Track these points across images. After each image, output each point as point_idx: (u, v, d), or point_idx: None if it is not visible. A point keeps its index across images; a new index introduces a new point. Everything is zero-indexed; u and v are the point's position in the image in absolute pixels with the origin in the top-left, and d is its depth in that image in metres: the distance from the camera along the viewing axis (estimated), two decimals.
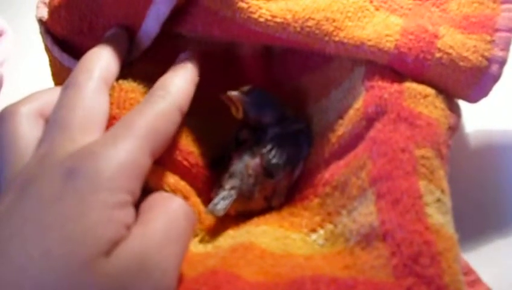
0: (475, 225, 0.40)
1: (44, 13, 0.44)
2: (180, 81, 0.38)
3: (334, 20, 0.40)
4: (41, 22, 0.44)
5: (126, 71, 0.41)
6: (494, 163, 0.44)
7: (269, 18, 0.40)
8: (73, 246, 0.29)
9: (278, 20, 0.40)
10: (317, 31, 0.40)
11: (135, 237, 0.31)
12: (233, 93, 0.41)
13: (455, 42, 0.39)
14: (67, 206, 0.30)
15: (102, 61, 0.38)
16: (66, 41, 0.44)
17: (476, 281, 0.37)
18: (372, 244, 0.33)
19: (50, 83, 0.47)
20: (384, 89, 0.38)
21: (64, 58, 0.43)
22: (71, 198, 0.30)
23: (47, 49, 0.45)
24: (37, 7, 0.45)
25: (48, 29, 0.44)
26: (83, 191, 0.30)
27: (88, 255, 0.29)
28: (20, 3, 0.57)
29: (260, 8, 0.40)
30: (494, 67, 0.39)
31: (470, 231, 0.39)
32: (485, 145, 0.45)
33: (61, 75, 0.45)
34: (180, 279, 0.35)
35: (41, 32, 0.45)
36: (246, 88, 0.42)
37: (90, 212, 0.30)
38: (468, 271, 0.37)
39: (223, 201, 0.39)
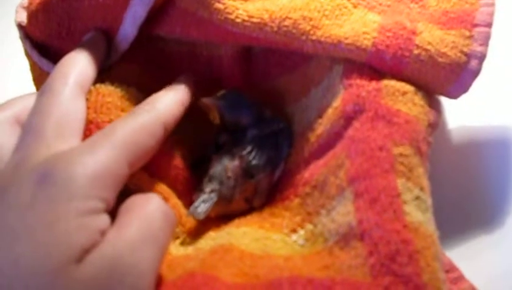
0: (458, 221, 0.40)
1: (24, 18, 0.44)
2: (168, 100, 0.38)
3: (311, 19, 0.40)
4: (20, 26, 0.44)
5: (104, 75, 0.41)
6: (477, 159, 0.43)
7: (246, 18, 0.40)
8: (44, 254, 0.28)
9: (255, 20, 0.40)
10: (294, 30, 0.39)
11: (108, 242, 0.30)
12: (207, 100, 0.41)
13: (434, 38, 0.39)
14: (38, 213, 0.30)
15: (78, 66, 0.38)
16: (45, 46, 0.44)
17: (459, 278, 0.37)
18: (350, 243, 0.33)
19: (32, 88, 0.47)
20: (362, 87, 0.38)
21: (44, 63, 0.43)
22: (43, 205, 0.30)
23: (27, 54, 0.45)
24: (16, 11, 0.45)
25: (27, 33, 0.44)
26: (55, 198, 0.30)
27: (58, 263, 0.28)
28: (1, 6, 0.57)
29: (237, 8, 0.40)
30: (474, 63, 0.39)
31: (452, 228, 0.39)
32: (468, 141, 0.44)
33: (41, 80, 0.45)
34: (159, 282, 0.35)
35: (20, 37, 0.45)
36: (220, 93, 0.41)
37: (62, 220, 0.29)
38: (451, 268, 0.37)
39: (203, 204, 0.39)
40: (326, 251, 0.34)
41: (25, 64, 0.46)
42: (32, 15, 0.43)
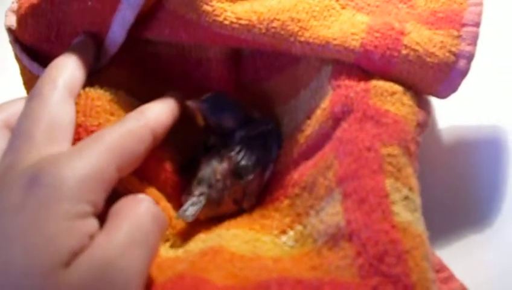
0: (448, 221, 0.40)
1: (13, 22, 0.44)
2: (158, 109, 0.38)
3: (299, 20, 0.40)
4: (10, 30, 0.44)
5: (93, 78, 0.41)
6: (466, 159, 0.43)
7: (234, 20, 0.40)
8: (33, 257, 0.29)
9: (243, 22, 0.40)
10: (282, 32, 0.39)
11: (97, 246, 0.30)
12: (190, 102, 0.41)
13: (422, 38, 0.39)
14: (28, 216, 0.30)
15: (67, 70, 0.38)
16: (35, 50, 0.44)
17: (449, 277, 0.37)
18: (338, 244, 0.33)
19: (23, 91, 0.47)
20: (351, 88, 0.38)
21: (34, 67, 0.43)
22: (32, 207, 0.30)
23: (17, 58, 0.45)
24: (6, 15, 0.45)
25: (17, 37, 0.44)
26: (44, 200, 0.30)
27: (47, 266, 0.28)
28: None
29: (225, 10, 0.40)
30: (462, 63, 0.39)
31: (442, 227, 0.39)
32: (458, 141, 0.44)
33: (32, 83, 0.45)
34: (149, 284, 0.35)
35: (10, 41, 0.45)
36: (205, 95, 0.42)
37: (51, 222, 0.30)
38: (441, 268, 0.37)
39: (192, 207, 0.39)
40: (315, 252, 0.34)
41: (16, 68, 0.47)
42: (21, 19, 0.43)
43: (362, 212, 0.33)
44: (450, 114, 0.45)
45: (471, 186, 0.42)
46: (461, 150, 0.44)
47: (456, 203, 0.41)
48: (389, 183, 0.34)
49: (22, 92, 0.47)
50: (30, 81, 0.45)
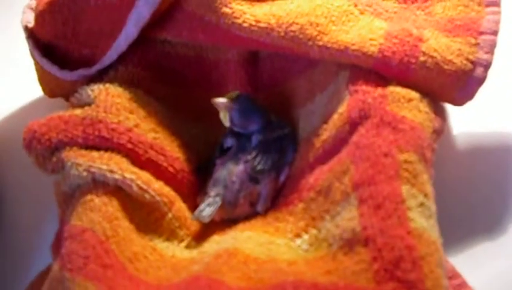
0: (461, 228, 0.40)
1: (30, 19, 0.45)
2: None
3: (318, 25, 0.40)
4: (26, 27, 0.45)
5: (111, 74, 0.41)
6: (481, 165, 0.43)
7: (253, 23, 0.40)
8: None
9: (262, 25, 0.40)
10: (301, 36, 0.40)
11: None
12: (220, 100, 0.41)
13: (440, 45, 0.39)
14: None
15: None
16: (51, 46, 0.44)
17: (462, 284, 0.37)
18: (354, 249, 0.33)
19: (37, 86, 0.47)
20: (368, 93, 0.38)
21: (44, 63, 0.44)
22: None
23: (32, 54, 0.45)
24: (23, 12, 0.46)
25: (33, 34, 0.44)
26: None
27: None
28: (8, 5, 0.58)
29: (244, 13, 0.40)
30: (479, 71, 0.39)
31: (456, 234, 0.39)
32: (473, 147, 0.44)
33: (45, 79, 0.46)
34: (164, 284, 0.35)
35: (26, 38, 0.45)
36: (234, 94, 0.42)
37: None
38: (454, 275, 0.37)
39: (208, 208, 0.39)
40: (330, 256, 0.34)
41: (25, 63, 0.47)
42: (39, 15, 0.44)
43: (378, 217, 0.33)
44: (464, 120, 0.45)
45: (484, 193, 0.42)
46: (475, 156, 0.44)
47: (469, 210, 0.41)
48: (405, 189, 0.34)
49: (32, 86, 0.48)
50: (43, 76, 0.46)
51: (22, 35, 0.45)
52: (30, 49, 0.45)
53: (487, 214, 0.41)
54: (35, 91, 0.49)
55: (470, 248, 0.40)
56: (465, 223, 0.41)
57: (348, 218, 0.34)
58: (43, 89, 0.47)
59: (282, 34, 0.40)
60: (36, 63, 0.45)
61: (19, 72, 0.53)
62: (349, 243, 0.33)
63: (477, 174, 0.43)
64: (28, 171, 0.47)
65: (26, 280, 0.41)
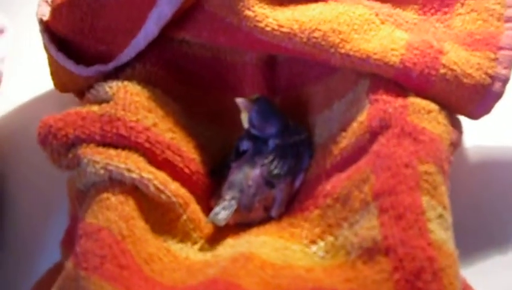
0: (472, 240, 0.41)
1: (46, 12, 0.44)
2: None
3: (340, 32, 0.40)
4: (41, 20, 0.44)
5: (128, 72, 0.41)
6: (492, 179, 0.44)
7: (276, 27, 0.40)
8: None
9: (285, 30, 0.40)
10: (323, 42, 0.40)
11: None
12: (241, 100, 0.41)
13: (459, 59, 0.39)
14: None
15: None
16: (66, 41, 0.44)
17: None
18: (374, 258, 0.33)
19: (49, 81, 0.47)
20: (389, 103, 0.38)
21: (60, 57, 0.43)
22: None
23: (46, 48, 0.45)
24: (39, 5, 0.45)
25: (48, 27, 0.44)
26: None
27: None
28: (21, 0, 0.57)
29: (267, 17, 0.40)
30: (497, 85, 0.39)
31: (466, 247, 0.39)
32: (485, 160, 0.45)
33: (58, 74, 0.46)
34: (180, 287, 0.35)
35: (40, 31, 0.44)
36: (254, 96, 0.41)
37: None
38: (466, 287, 0.37)
39: (224, 211, 0.39)
40: (349, 264, 0.34)
41: (37, 57, 0.47)
42: (56, 9, 0.43)
43: (399, 228, 0.33)
44: (477, 133, 0.45)
45: (494, 206, 0.42)
46: (485, 170, 0.44)
47: (481, 223, 0.41)
48: (425, 200, 0.34)
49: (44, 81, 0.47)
50: (57, 71, 0.45)
51: (29, 27, 0.45)
52: (44, 43, 0.44)
53: (498, 227, 0.42)
54: (41, 86, 0.49)
55: (480, 261, 0.40)
56: (475, 236, 0.41)
57: (368, 227, 0.34)
58: (55, 84, 0.46)
59: (305, 40, 0.40)
60: (50, 57, 0.45)
61: (25, 65, 0.52)
62: (369, 252, 0.33)
63: (487, 188, 0.43)
64: (32, 166, 0.47)
65: (31, 277, 0.40)
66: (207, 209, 0.40)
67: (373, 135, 0.38)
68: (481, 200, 0.43)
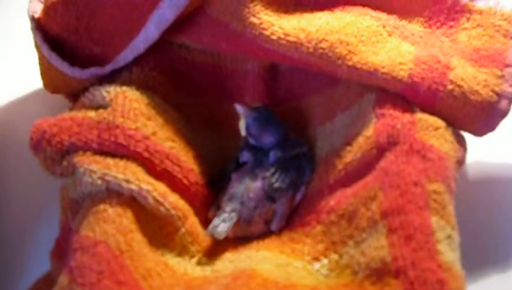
0: (473, 259, 0.40)
1: (37, 9, 0.42)
2: None
3: (347, 44, 0.39)
4: (32, 17, 0.42)
5: (125, 76, 0.39)
6: (492, 196, 0.43)
7: (282, 36, 0.39)
8: None
9: (291, 39, 0.39)
10: (330, 54, 0.39)
11: None
12: (240, 107, 0.40)
13: (467, 75, 0.39)
14: None
15: None
16: (59, 40, 0.42)
17: None
18: (383, 280, 0.32)
19: (37, 80, 0.45)
20: (397, 118, 0.37)
21: (52, 58, 0.41)
22: None
23: (37, 47, 0.43)
24: (30, 2, 0.43)
25: (40, 25, 0.42)
26: None
27: None
28: None
29: (273, 25, 0.39)
30: (503, 103, 0.39)
31: (469, 264, 0.39)
32: (484, 178, 0.44)
33: (49, 74, 0.44)
34: None
35: (32, 29, 0.42)
36: (255, 104, 0.40)
37: None
38: None
39: (223, 223, 0.37)
40: (356, 284, 0.33)
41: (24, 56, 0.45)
42: (51, 6, 0.41)
43: (409, 249, 0.32)
44: (477, 150, 0.45)
45: (496, 223, 0.42)
46: (486, 187, 0.44)
47: (479, 242, 0.41)
48: (434, 220, 0.34)
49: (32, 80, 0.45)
50: (48, 71, 0.44)
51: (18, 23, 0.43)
52: (36, 42, 0.42)
53: (499, 245, 0.41)
54: (28, 84, 0.47)
55: (481, 279, 0.40)
56: (476, 254, 0.40)
57: (376, 246, 0.33)
58: (45, 84, 0.44)
59: (311, 50, 0.39)
60: (41, 57, 0.42)
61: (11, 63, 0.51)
62: (378, 273, 0.33)
63: (487, 205, 0.43)
64: (20, 172, 0.45)
65: (19, 287, 0.39)
66: (204, 221, 0.39)
67: (380, 150, 0.37)
68: (481, 217, 0.42)
